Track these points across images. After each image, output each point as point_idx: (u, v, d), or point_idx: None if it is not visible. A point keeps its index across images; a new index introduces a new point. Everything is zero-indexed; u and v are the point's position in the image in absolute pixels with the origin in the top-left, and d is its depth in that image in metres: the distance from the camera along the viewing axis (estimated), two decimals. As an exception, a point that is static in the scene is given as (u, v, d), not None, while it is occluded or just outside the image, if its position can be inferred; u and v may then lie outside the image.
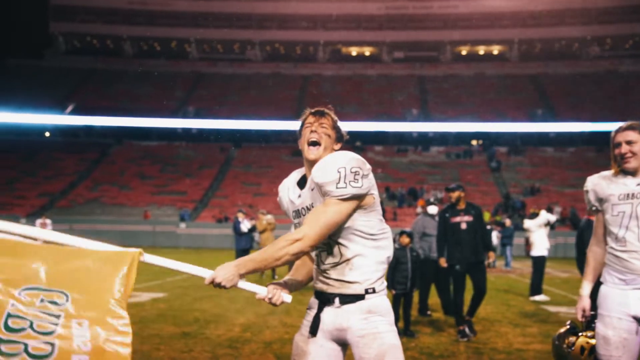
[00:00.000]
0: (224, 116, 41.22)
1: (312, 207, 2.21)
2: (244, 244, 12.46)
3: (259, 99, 43.21)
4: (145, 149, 40.88)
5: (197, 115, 43.00)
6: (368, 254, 2.19)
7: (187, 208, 32.90)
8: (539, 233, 9.97)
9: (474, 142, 41.79)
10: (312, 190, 2.21)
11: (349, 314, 2.18)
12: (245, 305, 8.29)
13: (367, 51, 50.20)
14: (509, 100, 42.86)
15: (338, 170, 2.09)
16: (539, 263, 9.88)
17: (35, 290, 1.87)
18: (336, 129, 2.30)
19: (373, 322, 2.16)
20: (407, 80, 46.53)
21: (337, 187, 2.09)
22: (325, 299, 2.24)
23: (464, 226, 6.25)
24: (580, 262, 6.58)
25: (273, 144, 42.07)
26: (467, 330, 6.08)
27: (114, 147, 41.35)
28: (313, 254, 2.31)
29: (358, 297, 2.18)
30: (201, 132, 42.63)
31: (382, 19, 47.94)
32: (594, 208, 2.86)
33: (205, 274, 2.07)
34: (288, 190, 2.37)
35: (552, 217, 10.14)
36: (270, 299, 2.13)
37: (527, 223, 10.32)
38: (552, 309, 8.61)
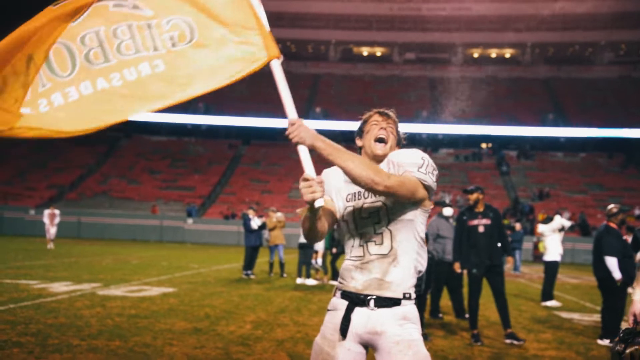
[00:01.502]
0: (233, 113, 41.25)
1: None
2: (254, 241, 12.41)
3: (269, 97, 43.09)
4: (154, 143, 41.00)
5: (207, 111, 43.05)
6: (412, 256, 2.17)
7: (195, 204, 32.95)
8: (552, 238, 9.86)
9: (483, 145, 41.60)
10: None
11: (383, 318, 2.12)
12: (255, 303, 8.27)
13: (378, 51, 50.07)
14: (520, 103, 42.60)
15: (422, 157, 2.16)
16: (551, 268, 9.77)
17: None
18: (398, 131, 2.34)
19: (408, 329, 2.12)
20: (418, 82, 46.37)
21: (418, 170, 2.13)
22: (358, 300, 2.15)
23: (481, 229, 6.14)
24: (597, 268, 6.49)
25: (282, 141, 42.06)
26: (514, 341, 5.96)
27: (124, 141, 41.48)
28: (357, 242, 2.20)
29: (394, 302, 2.13)
30: (211, 128, 42.67)
31: (394, 19, 47.76)
32: None
33: (293, 115, 2.06)
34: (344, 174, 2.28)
35: (567, 222, 10.03)
36: (314, 184, 1.94)
37: (541, 228, 10.21)
38: (564, 315, 8.51)
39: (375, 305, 2.12)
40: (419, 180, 2.11)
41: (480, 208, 6.25)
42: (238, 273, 12.82)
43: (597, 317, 8.12)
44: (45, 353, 4.73)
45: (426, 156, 2.18)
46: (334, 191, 2.29)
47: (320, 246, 11.90)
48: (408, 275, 2.15)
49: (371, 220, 2.18)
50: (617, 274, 6.12)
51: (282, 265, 12.69)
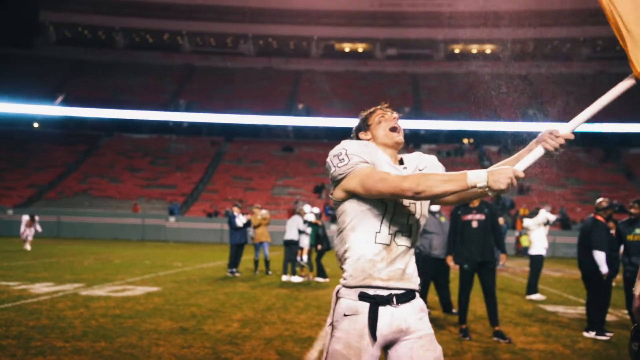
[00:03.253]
0: (215, 110, 40.91)
1: None
2: (239, 239, 12.30)
3: (251, 94, 42.92)
4: (135, 141, 40.49)
5: (189, 108, 42.66)
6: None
7: (177, 202, 32.64)
8: (537, 232, 9.94)
9: (465, 141, 41.91)
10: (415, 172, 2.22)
11: (405, 314, 2.08)
12: (242, 301, 8.19)
13: (360, 48, 50.08)
14: (501, 99, 42.93)
15: None
16: (536, 262, 9.86)
17: None
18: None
19: (426, 322, 2.12)
20: (400, 78, 46.50)
21: None
22: (382, 300, 2.07)
23: (474, 225, 6.12)
24: (583, 261, 6.53)
25: (264, 138, 41.87)
26: (500, 340, 5.88)
27: (104, 139, 40.92)
28: (385, 230, 2.10)
29: (412, 295, 2.12)
30: (192, 125, 42.30)
31: (375, 15, 47.80)
32: None
33: (569, 129, 2.27)
34: (385, 156, 2.21)
35: (552, 216, 10.12)
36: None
37: (527, 222, 10.29)
38: (549, 308, 8.59)
39: (398, 302, 2.08)
40: None
41: (475, 203, 6.22)
42: (223, 271, 12.71)
43: (581, 310, 8.20)
44: (28, 356, 4.61)
45: None
46: (380, 165, 2.13)
47: (305, 243, 11.85)
48: (416, 268, 2.19)
49: (409, 210, 2.14)
50: (604, 268, 6.17)
51: (267, 262, 12.62)
